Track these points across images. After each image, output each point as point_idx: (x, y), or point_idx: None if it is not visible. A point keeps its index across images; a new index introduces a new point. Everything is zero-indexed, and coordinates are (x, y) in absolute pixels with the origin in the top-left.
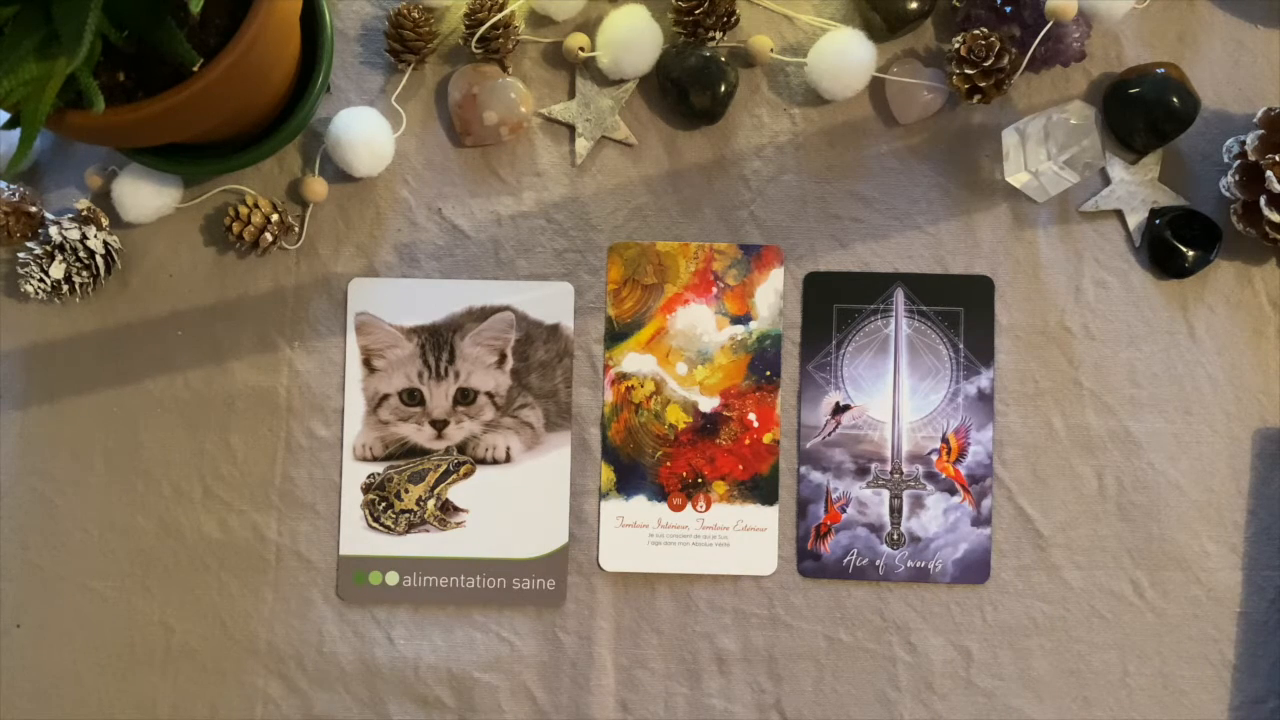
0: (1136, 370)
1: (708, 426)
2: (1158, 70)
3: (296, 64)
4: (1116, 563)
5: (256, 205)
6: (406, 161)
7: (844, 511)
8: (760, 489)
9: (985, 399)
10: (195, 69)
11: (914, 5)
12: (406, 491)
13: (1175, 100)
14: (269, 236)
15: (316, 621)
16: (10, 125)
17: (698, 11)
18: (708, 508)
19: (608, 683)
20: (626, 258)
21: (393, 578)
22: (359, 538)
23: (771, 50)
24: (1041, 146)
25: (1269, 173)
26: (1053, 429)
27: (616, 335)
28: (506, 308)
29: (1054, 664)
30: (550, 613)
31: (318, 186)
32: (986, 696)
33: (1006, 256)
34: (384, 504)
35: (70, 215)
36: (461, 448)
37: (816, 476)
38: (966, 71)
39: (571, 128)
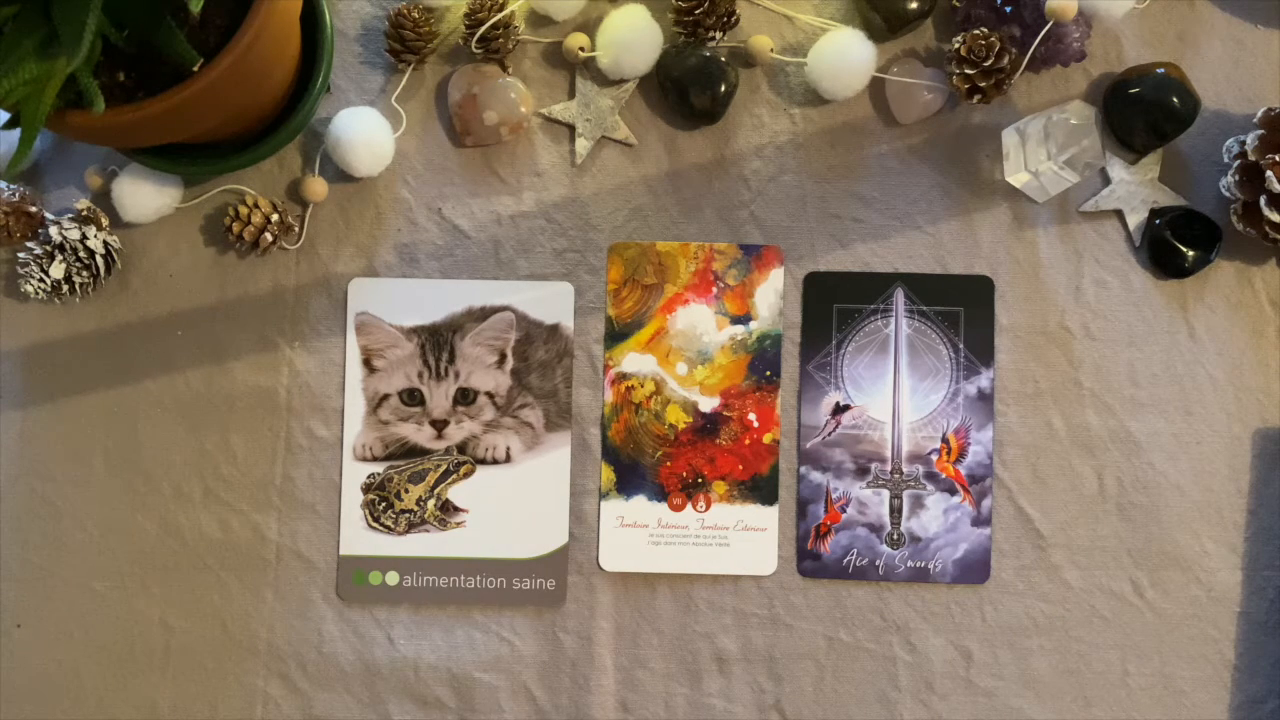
0: (1136, 370)
1: (708, 426)
2: (1158, 70)
3: (296, 64)
4: (1116, 563)
5: (256, 205)
6: (406, 161)
7: (844, 511)
8: (760, 489)
9: (985, 399)
10: (195, 69)
11: (914, 5)
12: (406, 491)
13: (1175, 100)
14: (269, 236)
15: (316, 621)
16: (10, 125)
17: (698, 11)
18: (708, 508)
19: (608, 683)
20: (626, 258)
21: (393, 578)
22: (359, 538)
23: (771, 50)
24: (1041, 146)
25: (1269, 173)
26: (1053, 429)
27: (616, 335)
28: (506, 308)
29: (1054, 664)
30: (550, 613)
31: (318, 186)
32: (986, 696)
33: (1006, 256)
34: (384, 504)
35: (70, 215)
36: (461, 448)
37: (816, 476)
38: (966, 71)
39: (571, 128)
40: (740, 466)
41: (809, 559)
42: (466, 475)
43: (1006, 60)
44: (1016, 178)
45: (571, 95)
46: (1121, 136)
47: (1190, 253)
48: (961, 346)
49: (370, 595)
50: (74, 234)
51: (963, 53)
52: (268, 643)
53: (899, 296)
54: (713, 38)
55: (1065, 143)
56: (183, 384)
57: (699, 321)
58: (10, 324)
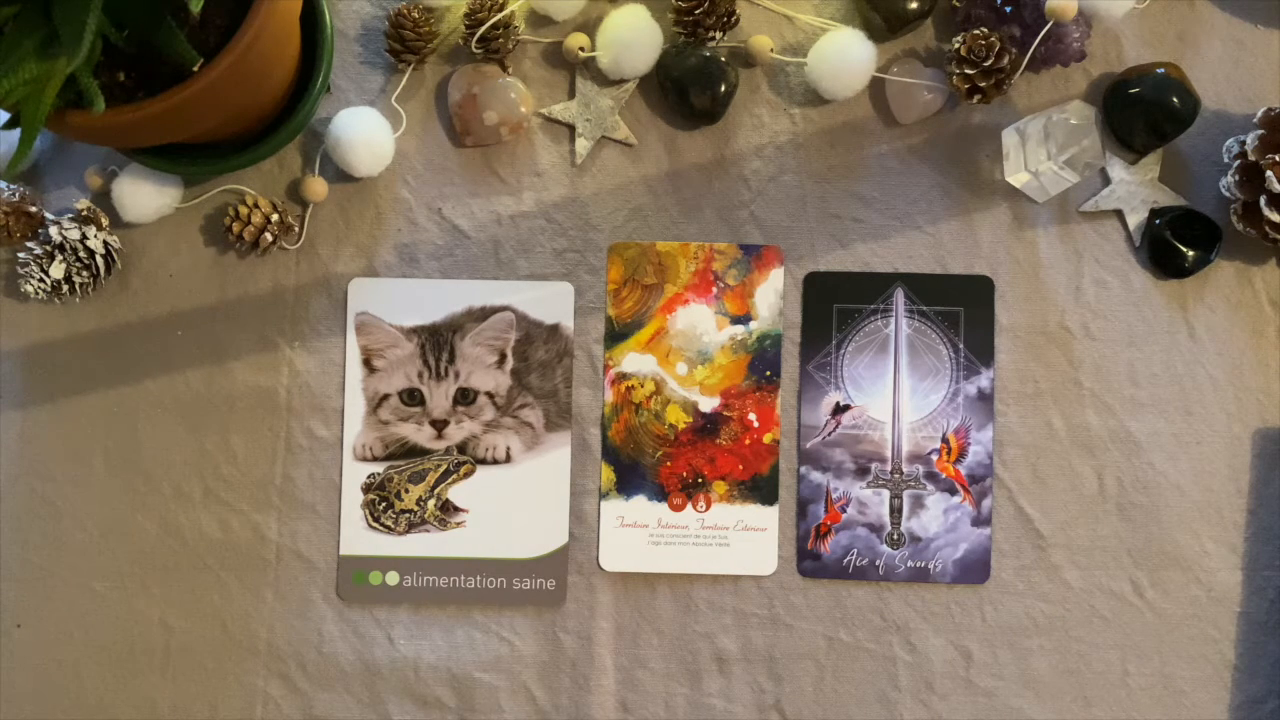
0: (1136, 370)
1: (708, 426)
2: (1158, 70)
3: (296, 64)
4: (1116, 563)
5: (256, 205)
6: (406, 161)
7: (844, 511)
8: (760, 489)
9: (985, 399)
10: (195, 69)
11: (914, 5)
12: (406, 491)
13: (1175, 100)
14: (269, 236)
15: (316, 621)
16: (10, 125)
17: (698, 11)
18: (708, 508)
19: (608, 683)
20: (626, 258)
21: (393, 578)
22: (359, 538)
23: (771, 50)
24: (1041, 146)
25: (1269, 173)
26: (1053, 429)
27: (616, 335)
28: (506, 308)
29: (1054, 664)
30: (550, 613)
31: (318, 186)
32: (986, 696)
33: (1006, 256)
34: (384, 504)
35: (70, 215)
36: (461, 448)
37: (816, 476)
38: (966, 71)
39: (571, 128)
40: (740, 466)
41: (809, 559)
42: (466, 475)
43: (1006, 60)
44: (1016, 178)
45: (571, 95)
46: (1121, 136)
47: (1190, 253)
48: (961, 346)
49: (370, 595)
50: (74, 234)
51: (963, 53)
52: (268, 643)
53: (899, 296)
54: (713, 38)
55: (1065, 143)
56: (183, 384)
57: (699, 321)
58: (10, 324)
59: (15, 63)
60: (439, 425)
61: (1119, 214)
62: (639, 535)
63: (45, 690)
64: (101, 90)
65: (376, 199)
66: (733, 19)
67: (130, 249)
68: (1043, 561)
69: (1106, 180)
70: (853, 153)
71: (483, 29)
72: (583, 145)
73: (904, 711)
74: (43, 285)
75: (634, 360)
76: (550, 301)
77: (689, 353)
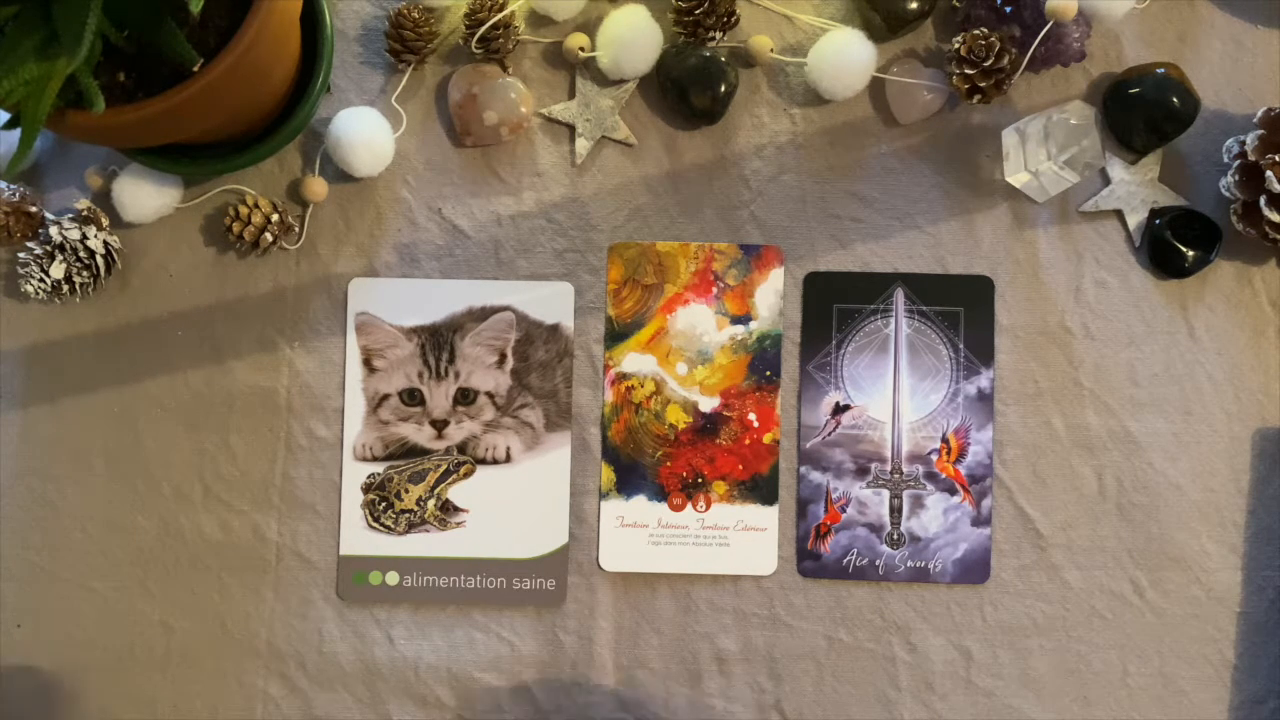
0: (1136, 370)
1: (708, 426)
2: (1158, 70)
3: (296, 64)
4: (1116, 563)
5: (256, 205)
6: (406, 161)
7: (844, 511)
8: (760, 489)
9: (985, 399)
10: (195, 69)
11: (914, 5)
12: (406, 491)
13: (1175, 100)
14: (269, 236)
15: (316, 621)
16: (10, 125)
17: (698, 11)
18: (708, 508)
19: (608, 683)
20: (626, 258)
21: (393, 578)
22: (359, 538)
23: (771, 50)
24: (1041, 146)
25: (1269, 173)
26: (1053, 429)
27: (616, 335)
28: (506, 308)
29: (1054, 664)
30: (550, 613)
31: (318, 186)
32: (986, 696)
33: (1006, 256)
34: (384, 504)
35: (70, 215)
36: (461, 448)
37: (816, 476)
38: (966, 71)
39: (571, 128)
40: (740, 466)
41: (809, 559)
42: (466, 475)
43: (1006, 60)
44: (1016, 178)
45: (571, 95)
46: (1121, 136)
47: (1190, 253)
48: (961, 346)
49: (370, 595)
50: (74, 234)
51: (963, 53)
52: (268, 643)
53: (899, 296)
54: (713, 38)
55: (1065, 143)
56: (183, 384)
57: (699, 321)
58: (10, 324)
59: (15, 63)
60: (439, 425)
61: (1119, 214)
62: (639, 535)
63: (45, 690)
64: (101, 90)
65: (376, 199)
66: (733, 19)
67: (130, 249)
68: (1043, 561)
69: (1106, 180)
70: (853, 153)
71: (483, 29)
72: (583, 145)
73: (904, 711)
74: (43, 285)
75: (634, 360)
76: (550, 301)
77: (689, 353)
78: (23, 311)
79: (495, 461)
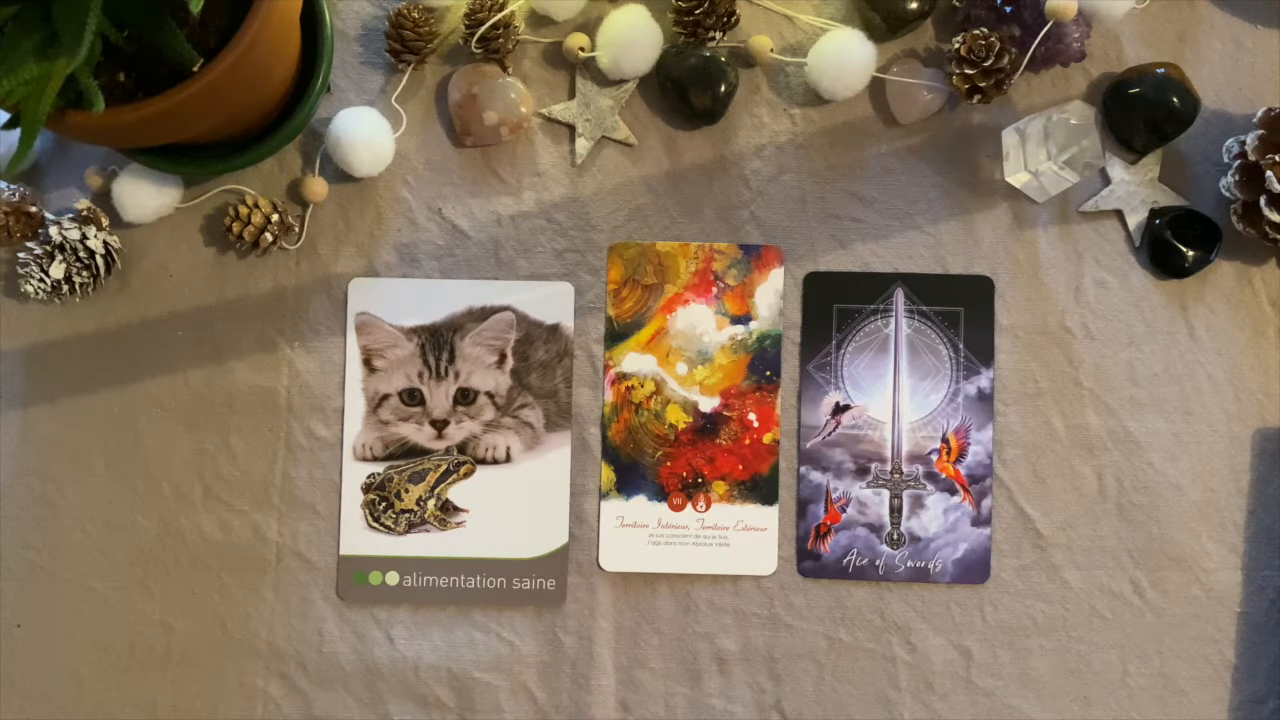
0: (1136, 370)
1: (708, 426)
2: (1158, 70)
3: (296, 64)
4: (1116, 563)
5: (256, 205)
6: (406, 161)
7: (844, 511)
8: (760, 489)
9: (985, 399)
10: (195, 69)
11: (914, 5)
12: (406, 491)
13: (1175, 100)
14: (269, 236)
15: (316, 621)
16: (10, 125)
17: (698, 11)
18: (708, 508)
19: (608, 683)
20: (626, 258)
21: (393, 578)
22: (359, 538)
23: (771, 50)
24: (1041, 146)
25: (1269, 173)
26: (1053, 429)
27: (616, 335)
28: (506, 308)
29: (1054, 664)
30: (550, 613)
31: (318, 186)
32: (986, 696)
33: (1006, 256)
34: (384, 504)
35: (70, 215)
36: (461, 448)
37: (816, 476)
38: (966, 71)
39: (571, 128)
40: (740, 466)
41: (809, 559)
42: (466, 475)
43: (1006, 60)
44: (1016, 178)
45: (571, 95)
46: (1121, 136)
47: (1190, 253)
48: (961, 346)
49: (370, 595)
50: (74, 234)
51: (963, 53)
52: (268, 643)
53: (899, 296)
54: (713, 38)
55: (1065, 143)
56: (183, 384)
57: (699, 321)
58: (10, 324)
59: (15, 63)
60: (439, 425)
61: (1119, 214)
62: (639, 535)
63: (45, 690)
64: (101, 90)
65: (376, 199)
66: (733, 19)
67: (130, 249)
68: (1043, 561)
69: (1106, 180)
70: (853, 153)
71: (483, 29)
72: (583, 145)
73: (904, 711)
74: (43, 285)
75: (634, 360)
76: (550, 301)
77: (689, 353)
78: (23, 311)
79: (495, 461)
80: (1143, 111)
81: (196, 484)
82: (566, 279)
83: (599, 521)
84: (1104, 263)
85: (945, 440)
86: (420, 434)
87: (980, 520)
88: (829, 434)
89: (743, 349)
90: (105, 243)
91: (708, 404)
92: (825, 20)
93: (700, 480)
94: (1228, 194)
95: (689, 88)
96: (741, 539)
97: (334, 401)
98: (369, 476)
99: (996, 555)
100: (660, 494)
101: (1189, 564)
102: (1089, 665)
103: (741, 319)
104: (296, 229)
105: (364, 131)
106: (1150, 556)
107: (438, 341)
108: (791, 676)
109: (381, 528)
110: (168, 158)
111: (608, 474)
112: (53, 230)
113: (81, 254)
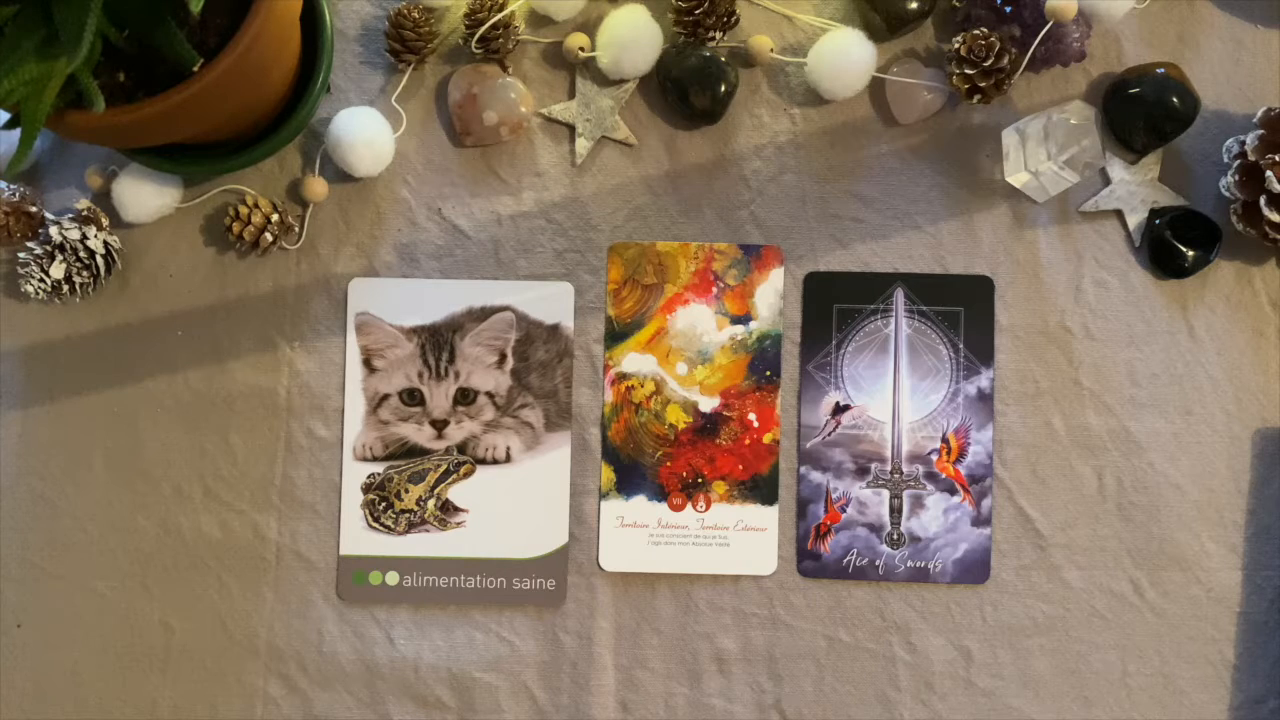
0: (1136, 370)
1: (708, 426)
2: (1158, 70)
3: (296, 64)
4: (1116, 563)
5: (256, 205)
6: (406, 161)
7: (844, 511)
8: (760, 489)
9: (985, 399)
10: (195, 69)
11: (914, 5)
12: (406, 491)
13: (1175, 100)
14: (269, 236)
15: (316, 621)
16: (10, 125)
17: (698, 11)
18: (708, 508)
19: (608, 683)
20: (626, 258)
21: (393, 578)
22: (359, 538)
23: (771, 50)
24: (1041, 146)
25: (1269, 173)
26: (1053, 429)
27: (616, 335)
28: (506, 308)
29: (1054, 664)
30: (550, 613)
31: (318, 186)
32: (986, 696)
33: (1006, 256)
34: (384, 504)
35: (70, 215)
36: (461, 448)
37: (816, 476)
38: (966, 71)
39: (571, 128)
40: (740, 466)
41: (809, 559)
42: (466, 475)
43: (1006, 60)
44: (1016, 178)
45: (571, 95)
46: (1121, 136)
47: (1190, 253)
48: (961, 346)
49: (370, 595)
50: (74, 234)
51: (963, 53)
52: (268, 643)
53: (899, 296)
54: (713, 38)
55: (1065, 143)
56: (183, 384)
57: (699, 321)
58: (10, 324)
59: (15, 63)
60: (439, 425)
61: (1119, 214)
62: (639, 535)
63: (45, 690)
64: (101, 90)
65: (376, 199)
66: (733, 19)
67: (130, 249)
68: (1043, 561)
69: (1106, 180)
70: (853, 153)
71: (483, 29)
72: (583, 145)
73: (904, 711)
74: (43, 285)
75: (634, 360)
76: (550, 301)
77: (689, 353)
78: (23, 311)
79: (495, 461)
80: (1143, 111)
81: (196, 484)
82: (566, 279)
83: (599, 521)
84: (1104, 263)
85: (945, 440)
86: (420, 434)
87: (980, 520)
88: (829, 434)
89: (743, 349)
90: (105, 243)
91: (708, 404)
92: (825, 20)
93: (700, 480)
94: (1228, 194)
95: (689, 88)
96: (741, 539)
97: (334, 401)
98: (369, 476)
99: (996, 555)
100: (660, 494)
101: (1189, 564)
102: (1089, 665)
103: (741, 319)
104: (296, 229)
105: (364, 131)
106: (1150, 556)
107: (438, 341)
108: (791, 676)
109: (381, 528)
110: (168, 158)
111: (608, 474)
112: (53, 230)
113: (81, 254)
